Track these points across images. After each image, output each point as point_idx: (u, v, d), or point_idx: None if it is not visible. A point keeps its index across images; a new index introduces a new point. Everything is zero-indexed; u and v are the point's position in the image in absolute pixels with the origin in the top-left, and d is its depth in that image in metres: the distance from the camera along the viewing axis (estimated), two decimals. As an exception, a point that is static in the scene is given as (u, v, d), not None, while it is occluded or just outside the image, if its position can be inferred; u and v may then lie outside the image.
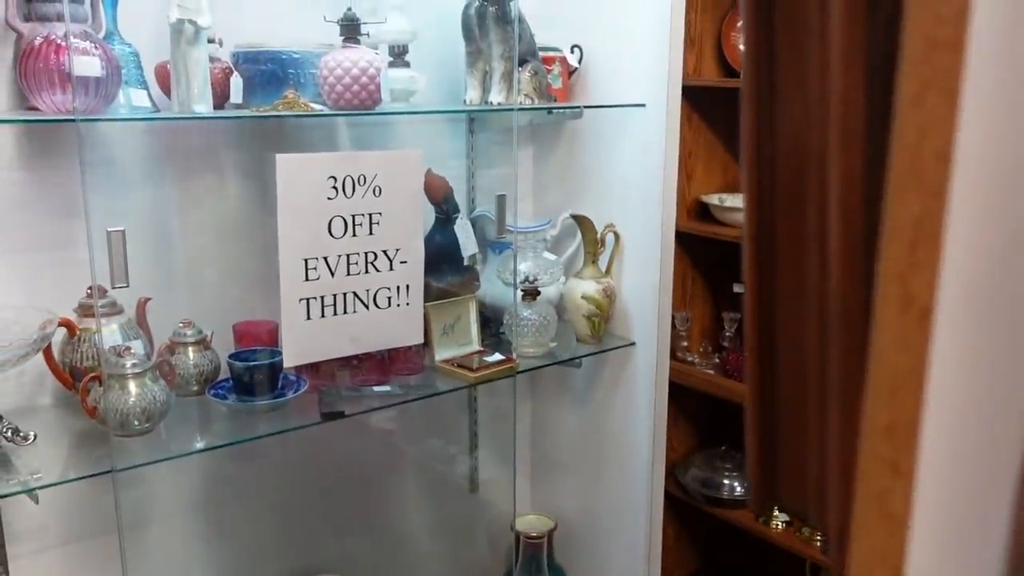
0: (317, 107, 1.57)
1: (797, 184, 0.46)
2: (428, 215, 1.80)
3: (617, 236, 1.98)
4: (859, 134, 0.41)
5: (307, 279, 1.51)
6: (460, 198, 1.95)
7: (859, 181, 0.42)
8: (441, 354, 1.80)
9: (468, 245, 1.89)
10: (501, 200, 1.78)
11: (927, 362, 0.36)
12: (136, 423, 1.42)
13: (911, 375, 0.36)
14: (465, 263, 1.89)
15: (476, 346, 1.85)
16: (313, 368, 1.65)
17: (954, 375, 0.37)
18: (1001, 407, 0.41)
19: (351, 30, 1.61)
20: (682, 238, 1.98)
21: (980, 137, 0.35)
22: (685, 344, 2.13)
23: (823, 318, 0.46)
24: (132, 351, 1.46)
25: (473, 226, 1.97)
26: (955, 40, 0.34)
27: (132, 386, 1.42)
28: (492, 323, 1.97)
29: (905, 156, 0.35)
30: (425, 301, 1.71)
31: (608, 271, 1.99)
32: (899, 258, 0.36)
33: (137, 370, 1.43)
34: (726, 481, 2.09)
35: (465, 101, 1.84)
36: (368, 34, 1.65)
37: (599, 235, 1.97)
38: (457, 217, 1.85)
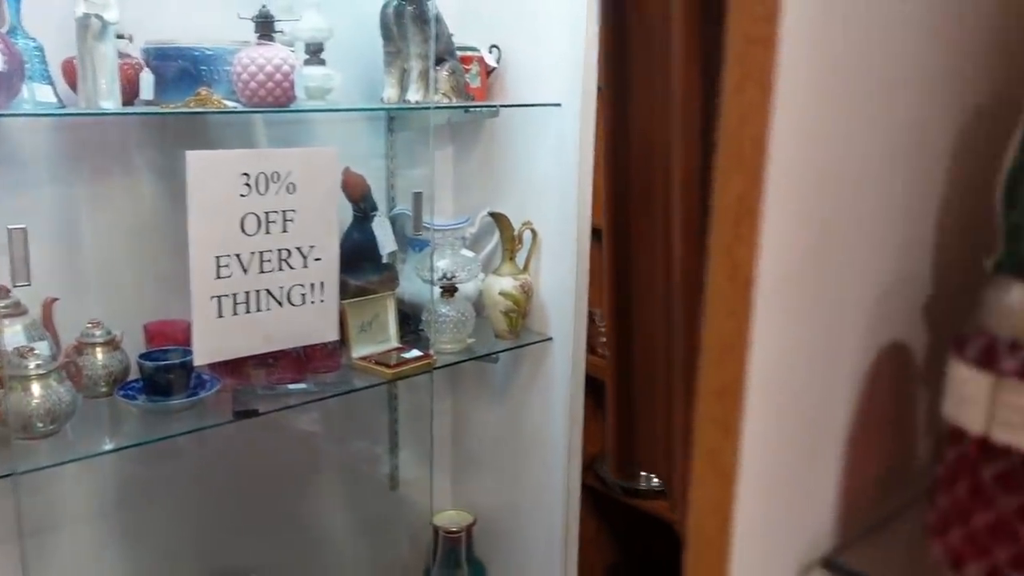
0: (231, 104, 1.56)
1: (647, 177, 0.49)
2: (346, 213, 1.80)
3: (535, 233, 2.02)
4: (696, 128, 0.45)
5: (219, 276, 1.50)
6: (379, 196, 1.95)
7: (697, 170, 0.45)
8: (359, 351, 1.80)
9: (387, 243, 1.90)
10: (417, 197, 1.80)
11: (751, 327, 0.39)
12: (40, 425, 1.39)
13: (737, 339, 0.40)
14: (384, 261, 1.90)
15: (395, 343, 1.86)
16: (229, 367, 1.63)
17: (776, 340, 0.41)
18: (821, 371, 0.45)
19: (265, 27, 1.61)
20: (599, 235, 2.02)
21: (793, 126, 0.39)
22: (603, 339, 2.18)
23: (670, 298, 0.49)
24: (36, 352, 1.43)
25: (393, 224, 1.98)
26: (768, 37, 0.37)
27: (35, 387, 1.39)
28: (411, 320, 1.98)
29: (729, 141, 0.39)
30: (344, 298, 1.71)
31: (526, 268, 2.03)
32: (726, 232, 0.39)
33: (41, 371, 1.40)
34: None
35: (382, 99, 1.85)
36: (283, 31, 1.65)
37: (517, 232, 2.00)
38: (375, 215, 1.86)
